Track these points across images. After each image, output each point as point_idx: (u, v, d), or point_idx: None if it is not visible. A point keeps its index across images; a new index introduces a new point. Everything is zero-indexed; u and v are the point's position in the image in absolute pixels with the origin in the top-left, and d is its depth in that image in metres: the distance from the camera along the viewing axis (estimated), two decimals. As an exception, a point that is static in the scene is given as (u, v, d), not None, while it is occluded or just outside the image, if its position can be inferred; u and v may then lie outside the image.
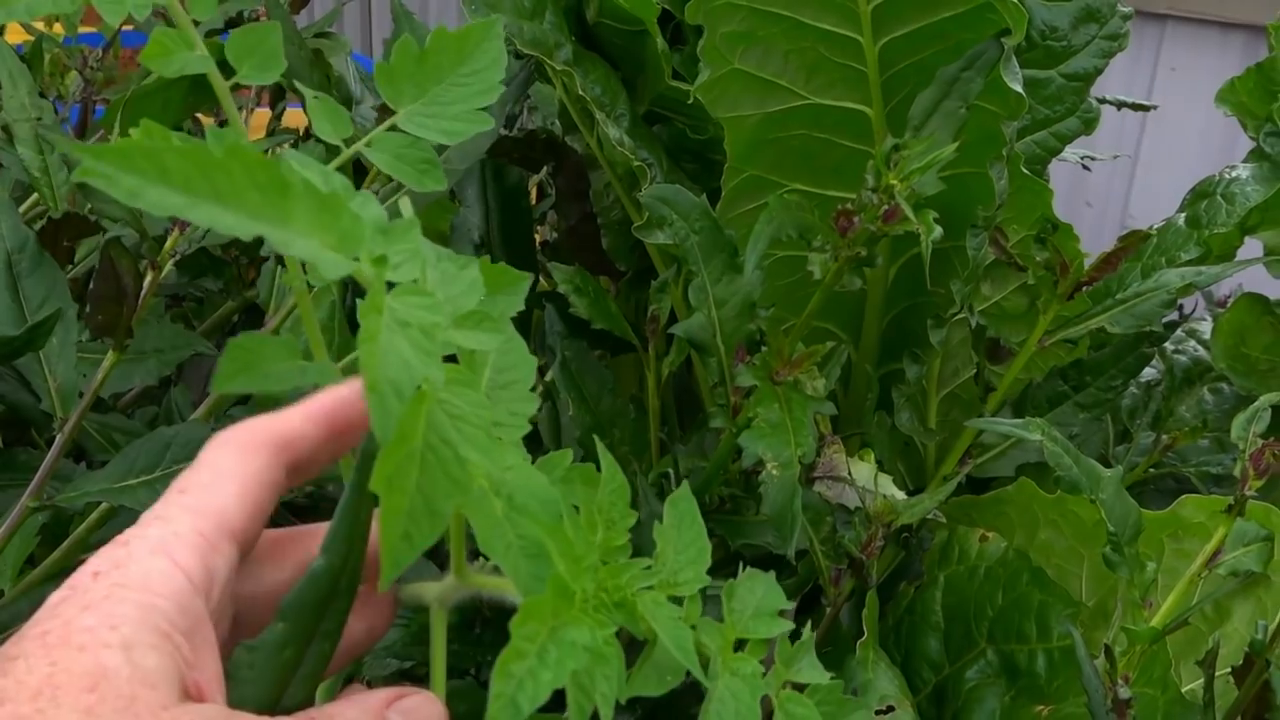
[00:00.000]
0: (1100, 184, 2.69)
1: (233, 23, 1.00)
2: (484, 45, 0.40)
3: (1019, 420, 0.59)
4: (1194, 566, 0.58)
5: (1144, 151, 2.63)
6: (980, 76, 0.57)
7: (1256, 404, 0.60)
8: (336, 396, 0.37)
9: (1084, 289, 0.75)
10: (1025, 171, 0.71)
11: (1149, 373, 1.15)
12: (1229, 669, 0.53)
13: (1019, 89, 0.58)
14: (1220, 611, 0.60)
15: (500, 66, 0.40)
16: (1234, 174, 0.80)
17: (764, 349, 0.63)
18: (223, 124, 0.83)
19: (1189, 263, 0.78)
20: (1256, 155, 0.81)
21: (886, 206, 0.53)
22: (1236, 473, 0.58)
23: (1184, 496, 0.64)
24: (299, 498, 0.76)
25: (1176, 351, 1.16)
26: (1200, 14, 2.53)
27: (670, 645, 0.31)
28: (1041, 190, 0.72)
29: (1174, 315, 1.13)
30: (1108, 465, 1.09)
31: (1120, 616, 0.59)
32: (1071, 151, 1.20)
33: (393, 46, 0.39)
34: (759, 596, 0.35)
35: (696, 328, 0.66)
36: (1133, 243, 0.71)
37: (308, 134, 1.09)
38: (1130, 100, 1.14)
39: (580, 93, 0.69)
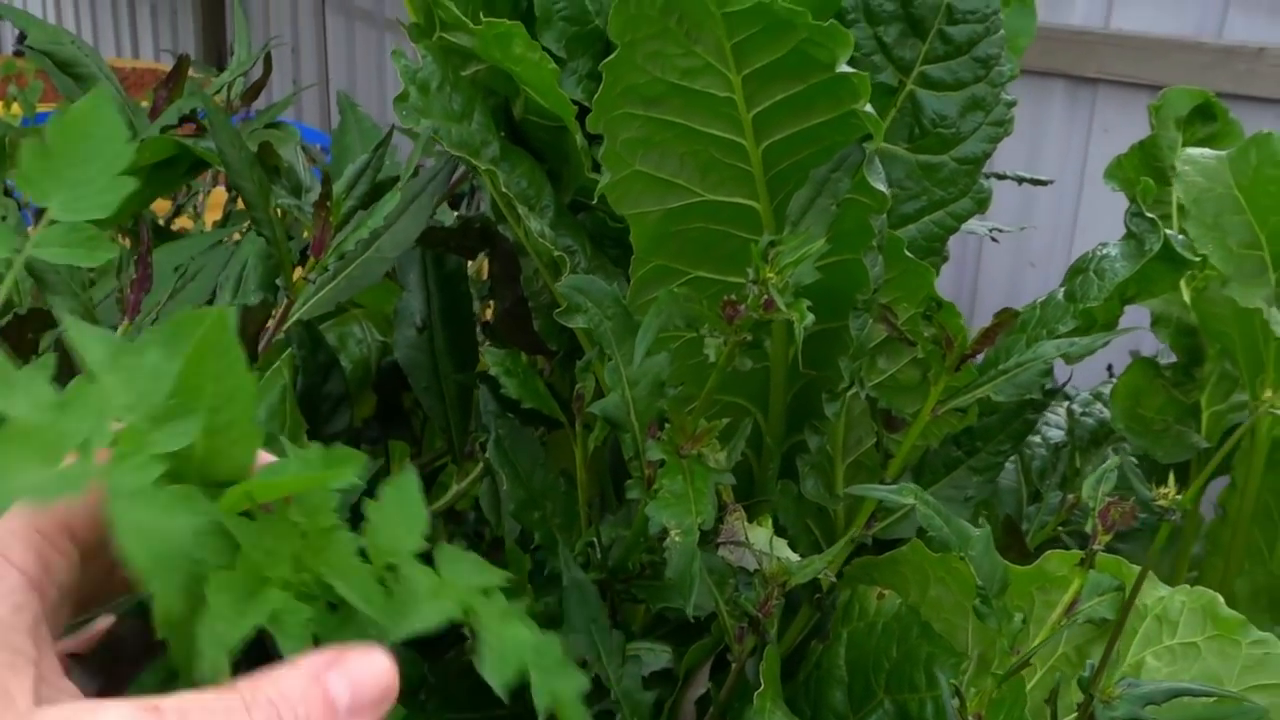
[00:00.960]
0: (1043, 245, 2.79)
1: (187, 119, 1.07)
2: (98, 117, 0.42)
3: (894, 487, 0.66)
4: (1054, 616, 0.64)
5: (1083, 212, 2.73)
6: (847, 177, 0.65)
7: (1104, 466, 0.67)
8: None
9: (970, 360, 0.83)
10: (909, 255, 0.79)
11: (1057, 435, 1.23)
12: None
13: (882, 188, 0.66)
14: (1081, 656, 0.67)
15: (120, 131, 0.42)
16: (1105, 251, 0.88)
17: (669, 425, 0.70)
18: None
19: (1067, 334, 0.85)
20: (1127, 233, 0.89)
21: (765, 297, 0.60)
22: (1088, 529, 0.65)
23: (1049, 552, 0.71)
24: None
25: (1084, 414, 1.24)
26: (1129, 78, 2.65)
27: (355, 598, 0.34)
28: (925, 272, 0.79)
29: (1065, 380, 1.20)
30: (1021, 525, 1.17)
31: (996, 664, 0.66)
32: (979, 223, 1.29)
33: (24, 153, 0.41)
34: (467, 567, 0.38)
35: (612, 406, 0.73)
36: (1006, 319, 0.78)
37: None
38: (1028, 176, 1.23)
39: (504, 190, 0.76)
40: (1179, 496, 0.59)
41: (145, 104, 1.12)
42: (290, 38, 4.50)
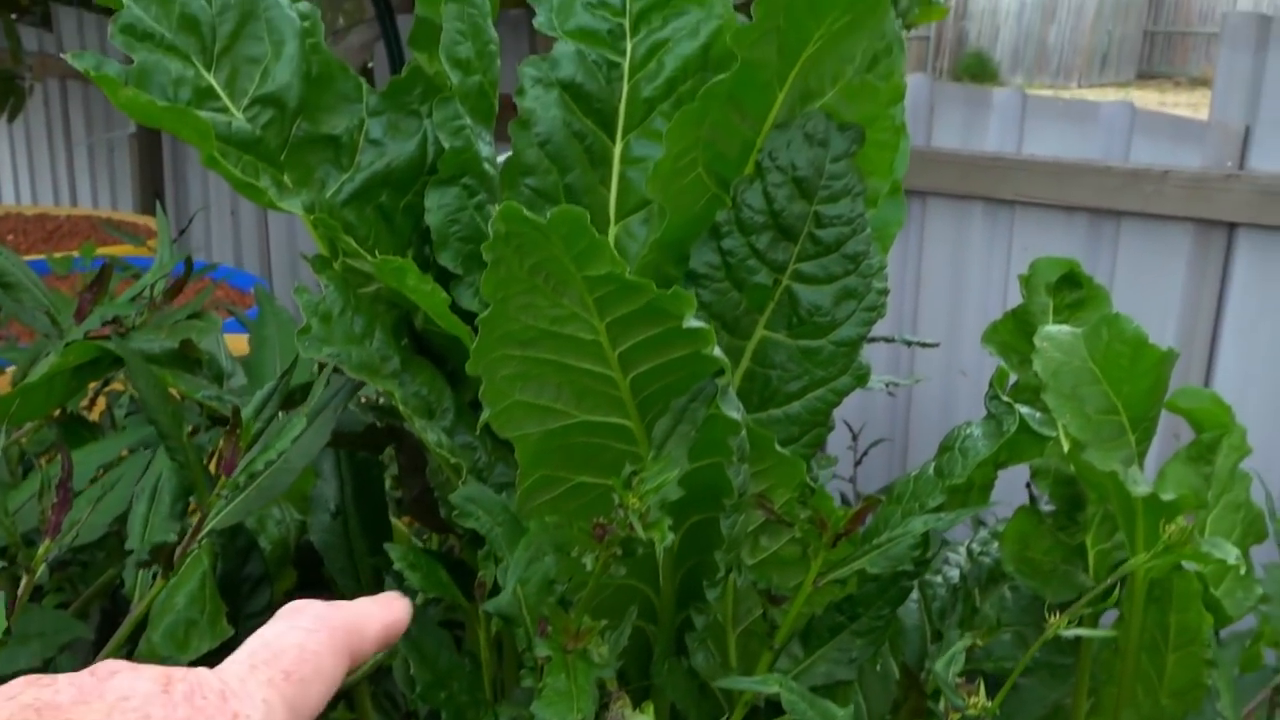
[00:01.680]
0: (972, 355, 2.91)
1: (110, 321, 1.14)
2: None
3: (759, 678, 0.74)
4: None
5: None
6: (704, 406, 0.73)
7: (954, 648, 0.75)
8: (396, 617, 0.45)
9: (845, 537, 0.91)
10: (780, 450, 0.87)
11: (957, 574, 1.31)
12: None
13: (735, 416, 0.75)
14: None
15: None
16: (969, 431, 0.97)
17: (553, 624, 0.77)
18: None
19: (935, 508, 0.94)
20: (987, 414, 0.98)
21: (630, 521, 0.68)
22: (940, 708, 0.73)
23: None
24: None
25: (982, 553, 1.32)
26: (1045, 200, 2.80)
27: None
28: (796, 463, 0.88)
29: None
30: (923, 664, 1.24)
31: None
32: (879, 379, 1.38)
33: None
34: None
35: (504, 604, 0.81)
36: (872, 504, 0.87)
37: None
38: (912, 339, 1.33)
39: (401, 406, 0.85)
40: (988, 704, 0.67)
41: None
42: (230, 193, 4.62)
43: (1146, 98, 15.89)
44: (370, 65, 3.92)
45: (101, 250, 2.31)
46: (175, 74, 0.88)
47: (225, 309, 1.81)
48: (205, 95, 0.90)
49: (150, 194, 4.53)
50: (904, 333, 2.92)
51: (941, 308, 2.99)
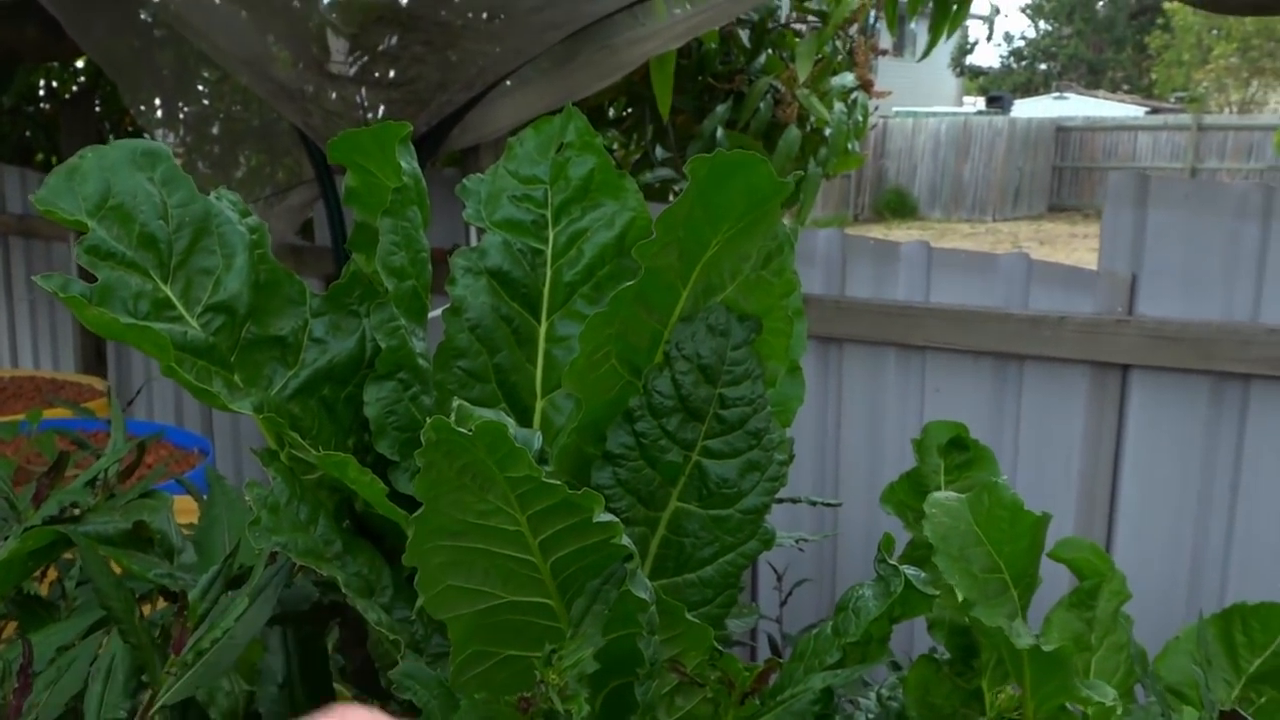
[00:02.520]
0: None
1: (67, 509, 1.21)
2: None
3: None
4: None
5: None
6: (615, 588, 0.82)
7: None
8: None
9: (752, 695, 0.99)
10: (690, 618, 0.96)
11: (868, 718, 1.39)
12: None
13: (644, 596, 0.84)
14: None
15: None
16: (861, 592, 1.07)
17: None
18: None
19: (834, 664, 1.03)
20: (876, 576, 1.08)
21: (550, 695, 0.76)
22: None
23: None
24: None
25: (890, 698, 1.40)
26: (953, 345, 2.95)
27: None
28: (705, 630, 0.97)
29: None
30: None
31: None
32: (789, 535, 1.48)
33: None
34: None
35: (440, 773, 0.87)
36: (772, 665, 0.95)
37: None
38: (820, 499, 1.43)
39: (344, 588, 0.92)
40: None
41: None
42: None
43: (1057, 229, 16.58)
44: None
45: (48, 413, 2.36)
46: (135, 288, 0.97)
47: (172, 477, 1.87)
48: (163, 306, 0.99)
49: (92, 351, 4.57)
50: (828, 468, 3.04)
51: (862, 446, 3.11)
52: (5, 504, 1.24)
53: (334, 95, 3.10)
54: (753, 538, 1.15)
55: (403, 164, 1.09)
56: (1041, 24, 36.56)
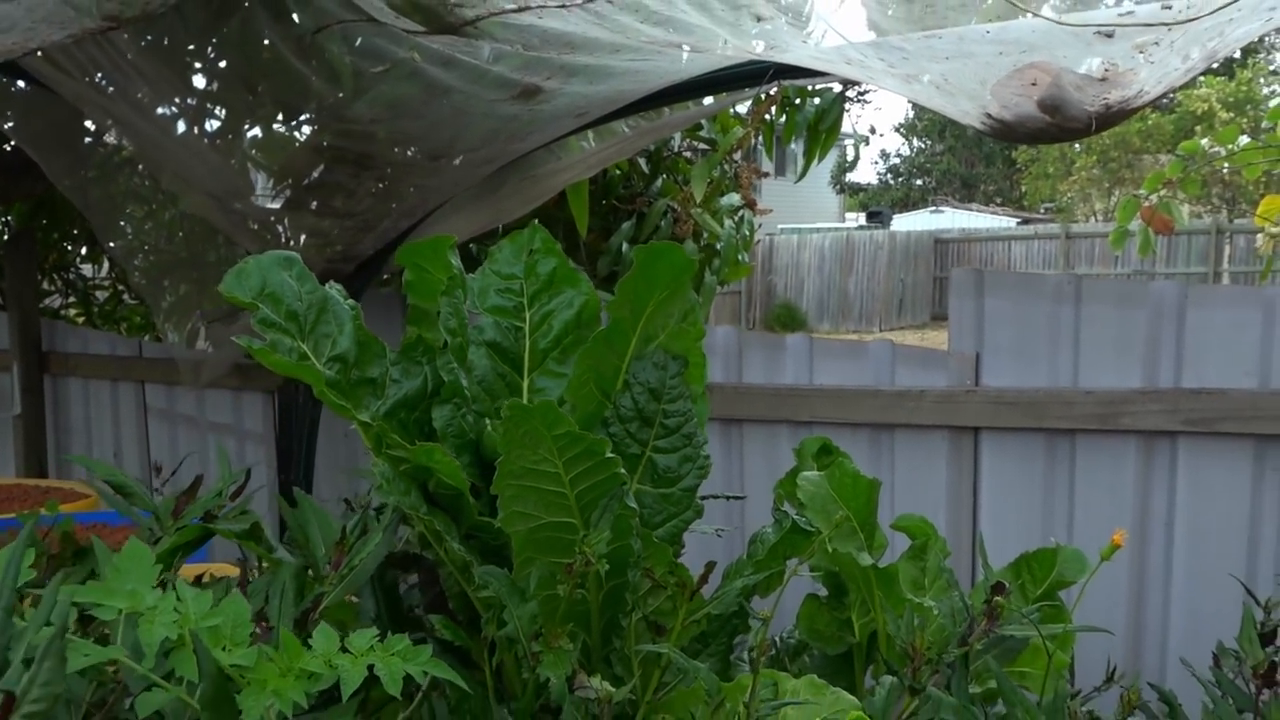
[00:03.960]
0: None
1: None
2: None
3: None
4: None
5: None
6: (616, 501, 1.44)
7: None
8: None
9: (697, 592, 1.60)
10: (656, 541, 1.58)
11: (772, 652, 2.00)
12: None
13: (632, 505, 1.45)
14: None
15: None
16: (764, 530, 1.70)
17: (543, 635, 1.44)
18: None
19: (749, 574, 1.65)
20: (774, 519, 1.71)
21: (585, 562, 1.37)
22: (754, 658, 1.41)
23: None
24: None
25: (789, 636, 2.01)
26: (834, 418, 3.62)
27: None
28: (665, 550, 1.58)
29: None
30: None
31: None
32: (712, 527, 2.09)
33: None
34: None
35: (510, 630, 1.46)
36: (709, 570, 1.57)
37: None
38: (729, 495, 2.06)
39: (433, 529, 1.52)
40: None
41: None
42: (113, 441, 5.15)
43: (941, 336, 17.67)
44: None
45: (64, 508, 2.88)
46: (288, 345, 1.58)
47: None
48: (304, 356, 1.60)
49: (34, 463, 5.02)
50: (733, 526, 3.67)
51: (762, 508, 3.74)
52: (154, 517, 1.79)
53: (292, 224, 3.70)
54: (689, 509, 1.77)
55: (452, 262, 1.73)
56: (915, 141, 38.83)
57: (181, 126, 3.67)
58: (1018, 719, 1.39)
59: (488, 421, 1.82)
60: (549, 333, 1.94)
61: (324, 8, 2.77)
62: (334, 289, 1.68)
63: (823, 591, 1.94)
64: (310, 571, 1.55)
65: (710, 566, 1.57)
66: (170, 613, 1.07)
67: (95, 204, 4.01)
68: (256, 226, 3.87)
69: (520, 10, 2.61)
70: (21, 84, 3.74)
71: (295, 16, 2.85)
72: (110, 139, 4.56)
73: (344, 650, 1.21)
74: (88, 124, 4.36)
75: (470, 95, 3.17)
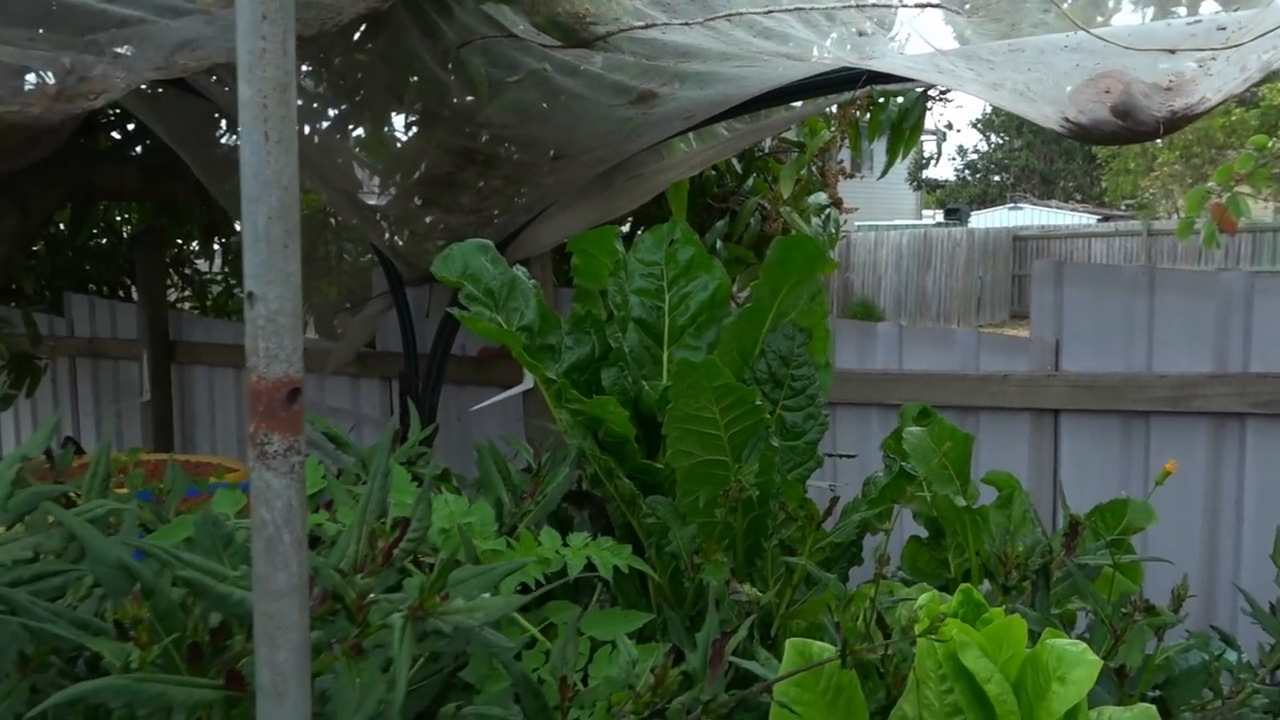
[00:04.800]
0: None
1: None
2: None
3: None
4: (864, 602, 1.76)
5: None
6: (762, 441, 1.82)
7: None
8: None
9: (823, 523, 1.97)
10: (790, 480, 1.95)
11: (880, 589, 2.36)
12: None
13: (775, 443, 1.83)
14: None
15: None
16: (876, 475, 2.06)
17: (702, 551, 1.82)
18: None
19: (865, 509, 2.02)
20: (884, 464, 2.08)
21: (739, 486, 1.75)
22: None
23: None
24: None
25: (893, 575, 2.38)
26: (922, 401, 3.95)
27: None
28: (797, 487, 1.96)
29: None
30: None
31: None
32: (825, 483, 2.47)
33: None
34: None
35: (673, 549, 1.85)
36: (834, 503, 1.94)
37: None
38: (836, 453, 2.43)
39: (610, 465, 1.91)
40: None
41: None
42: (236, 425, 5.61)
43: (1019, 334, 17.83)
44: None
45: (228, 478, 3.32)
46: (488, 316, 1.98)
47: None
48: (499, 324, 2.00)
49: (164, 445, 5.51)
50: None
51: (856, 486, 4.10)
52: (358, 463, 2.20)
53: (426, 219, 4.13)
54: (811, 459, 2.15)
55: (617, 248, 2.13)
56: (993, 137, 38.78)
57: (312, 127, 4.11)
58: (1102, 615, 1.74)
59: (644, 384, 2.21)
60: (686, 311, 2.33)
61: (468, 25, 3.18)
62: (519, 270, 2.08)
63: (924, 534, 2.30)
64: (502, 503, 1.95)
65: (834, 501, 1.94)
66: (443, 509, 1.46)
67: (228, 196, 4.47)
68: (386, 222, 4.31)
69: (647, 27, 3.00)
70: (159, 89, 4.20)
71: (443, 27, 3.25)
72: (228, 141, 5.03)
73: (565, 545, 1.60)
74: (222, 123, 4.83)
75: (590, 101, 3.58)
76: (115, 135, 5.53)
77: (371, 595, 1.07)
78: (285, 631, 0.97)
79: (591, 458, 1.93)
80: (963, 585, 1.45)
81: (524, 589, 1.62)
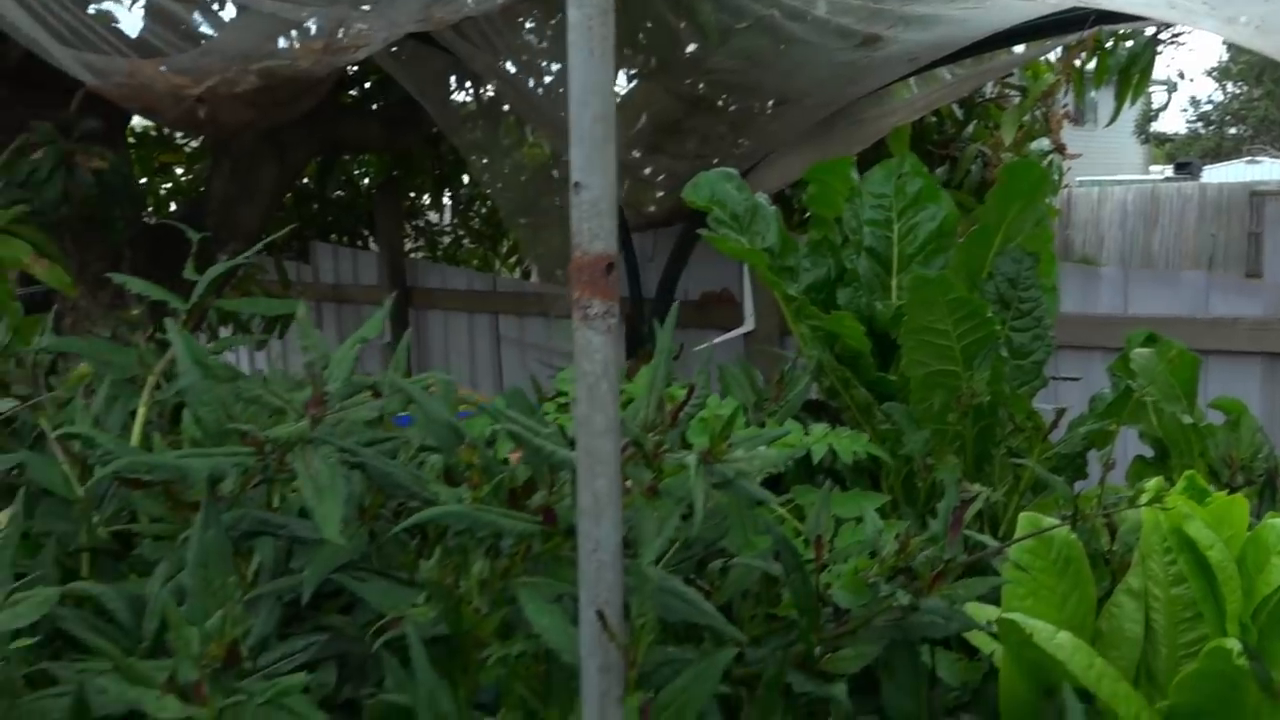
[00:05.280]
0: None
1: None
2: None
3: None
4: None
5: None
6: (993, 352, 1.97)
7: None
8: None
9: (1049, 434, 2.11)
10: (1017, 393, 2.10)
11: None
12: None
13: (1004, 354, 1.98)
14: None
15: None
16: (1102, 393, 2.19)
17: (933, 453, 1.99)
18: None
19: (1092, 423, 2.14)
20: (1111, 382, 2.20)
21: (970, 392, 1.91)
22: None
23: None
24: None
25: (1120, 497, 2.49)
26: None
27: None
28: (1023, 399, 2.10)
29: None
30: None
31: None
32: (1049, 406, 2.59)
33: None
34: None
35: (911, 450, 2.02)
36: (1060, 414, 2.07)
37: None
38: (1062, 377, 2.54)
39: (846, 376, 2.09)
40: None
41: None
42: (469, 366, 6.01)
43: (1256, 297, 17.05)
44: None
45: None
46: (734, 238, 2.18)
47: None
48: (747, 246, 2.20)
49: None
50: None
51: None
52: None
53: (645, 170, 4.37)
54: (1037, 378, 2.28)
55: (852, 177, 2.30)
56: (1229, 86, 36.84)
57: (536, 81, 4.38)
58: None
59: (877, 304, 2.38)
60: (914, 241, 2.48)
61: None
62: (761, 198, 2.28)
63: (1149, 454, 2.40)
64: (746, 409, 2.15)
65: (1061, 412, 2.08)
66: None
67: (469, 146, 4.79)
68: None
69: (876, -30, 3.14)
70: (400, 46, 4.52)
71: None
72: (457, 97, 5.37)
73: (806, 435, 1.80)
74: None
75: (815, 45, 3.73)
76: (352, 93, 5.96)
77: (665, 445, 1.28)
78: (603, 464, 1.19)
79: (829, 369, 2.12)
80: (1187, 472, 1.58)
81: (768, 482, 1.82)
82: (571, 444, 1.26)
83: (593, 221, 1.19)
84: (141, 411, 1.82)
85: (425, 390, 1.63)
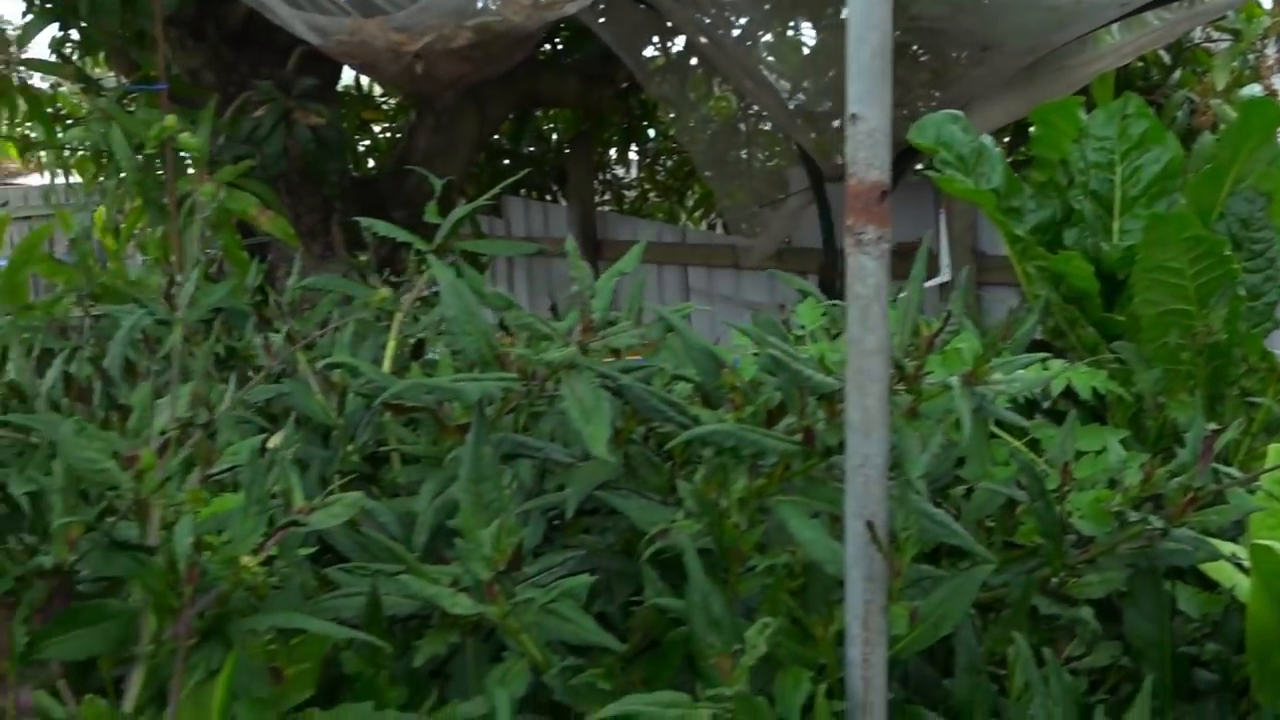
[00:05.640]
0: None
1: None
2: None
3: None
4: None
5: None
6: (1230, 290, 1.96)
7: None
8: None
9: (1283, 378, 2.09)
10: (1251, 334, 2.09)
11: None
12: None
13: (1241, 293, 1.97)
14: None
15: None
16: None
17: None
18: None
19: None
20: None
21: (1206, 333, 1.91)
22: None
23: None
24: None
25: None
26: None
27: None
28: (1257, 339, 2.09)
29: None
30: None
31: None
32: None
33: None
34: None
35: (1136, 390, 2.04)
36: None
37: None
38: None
39: (1074, 315, 2.11)
40: None
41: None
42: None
43: None
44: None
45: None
46: (960, 179, 2.21)
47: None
48: (969, 184, 2.23)
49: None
50: None
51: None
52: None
53: (834, 123, 4.40)
54: (1269, 320, 2.26)
55: (1080, 116, 2.31)
56: None
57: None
58: None
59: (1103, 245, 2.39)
60: (1138, 184, 2.47)
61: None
62: (986, 140, 2.30)
63: None
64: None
65: (1290, 354, 2.06)
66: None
67: (665, 94, 4.87)
68: (800, 121, 4.60)
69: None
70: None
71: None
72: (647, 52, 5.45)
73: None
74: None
75: (1021, -9, 3.70)
76: (546, 48, 6.10)
77: (925, 369, 1.35)
78: (873, 382, 1.26)
79: (1056, 309, 2.14)
80: None
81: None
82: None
83: (868, 151, 1.25)
84: (391, 345, 1.96)
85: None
